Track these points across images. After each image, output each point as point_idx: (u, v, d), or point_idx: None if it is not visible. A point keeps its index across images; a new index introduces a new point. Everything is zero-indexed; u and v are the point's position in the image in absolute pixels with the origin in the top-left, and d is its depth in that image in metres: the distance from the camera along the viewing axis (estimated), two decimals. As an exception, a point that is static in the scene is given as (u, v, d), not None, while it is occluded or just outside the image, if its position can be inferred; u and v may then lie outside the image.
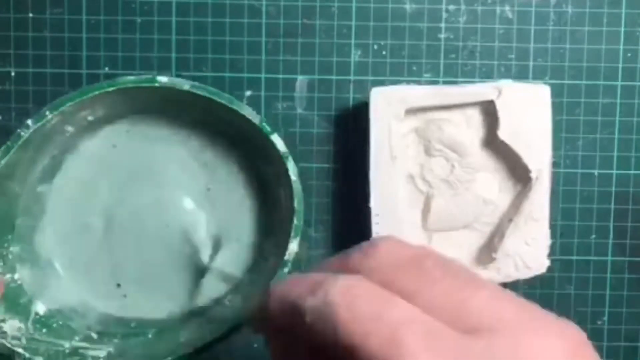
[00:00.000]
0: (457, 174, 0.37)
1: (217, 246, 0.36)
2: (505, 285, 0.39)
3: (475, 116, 0.37)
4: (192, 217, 0.36)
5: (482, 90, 0.36)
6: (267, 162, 0.33)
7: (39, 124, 0.29)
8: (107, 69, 0.39)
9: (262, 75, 0.39)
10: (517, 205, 0.37)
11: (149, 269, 0.36)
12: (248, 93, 0.39)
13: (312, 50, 0.39)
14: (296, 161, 0.39)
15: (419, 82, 0.39)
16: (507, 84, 0.36)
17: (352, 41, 0.39)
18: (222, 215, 0.37)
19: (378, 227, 0.36)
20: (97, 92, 0.30)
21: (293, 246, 0.32)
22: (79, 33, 0.39)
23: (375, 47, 0.39)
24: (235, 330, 0.32)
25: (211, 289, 0.36)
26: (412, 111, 0.37)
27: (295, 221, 0.32)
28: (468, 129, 0.37)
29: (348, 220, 0.40)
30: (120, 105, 0.32)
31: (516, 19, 0.39)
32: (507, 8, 0.39)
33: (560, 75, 0.39)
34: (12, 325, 0.32)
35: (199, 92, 0.30)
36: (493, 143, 0.37)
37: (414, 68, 0.39)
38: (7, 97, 0.39)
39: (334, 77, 0.39)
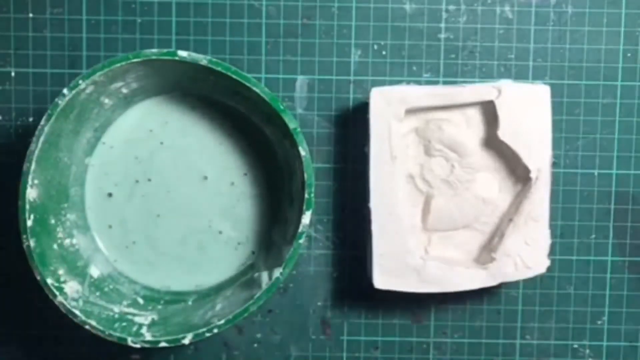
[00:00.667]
0: (457, 174, 0.37)
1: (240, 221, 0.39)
2: (505, 285, 0.39)
3: (475, 116, 0.37)
4: (221, 194, 0.39)
5: (482, 90, 0.36)
6: (283, 135, 0.36)
7: (73, 92, 0.32)
8: (107, 69, 0.39)
9: (262, 75, 0.39)
10: (517, 205, 0.37)
11: (183, 243, 0.39)
12: (248, 93, 0.39)
13: (312, 50, 0.39)
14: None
15: (419, 82, 0.39)
16: (507, 84, 0.36)
17: (352, 41, 0.39)
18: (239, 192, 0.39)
19: (378, 227, 0.36)
20: (123, 63, 0.32)
21: (306, 218, 0.34)
22: (79, 33, 0.39)
23: (375, 47, 0.39)
24: (263, 298, 0.34)
25: (242, 260, 0.39)
26: (412, 111, 0.37)
27: (306, 194, 0.34)
28: (468, 129, 0.37)
29: (348, 220, 0.40)
30: (150, 79, 0.35)
31: (516, 19, 0.39)
32: (507, 8, 0.39)
33: (560, 75, 0.39)
34: (72, 287, 0.34)
35: (215, 67, 0.33)
36: (493, 143, 0.37)
37: (414, 68, 0.39)
38: (7, 97, 0.39)
39: (334, 77, 0.39)
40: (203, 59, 0.33)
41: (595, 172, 0.40)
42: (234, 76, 0.33)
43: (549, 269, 0.37)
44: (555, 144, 0.38)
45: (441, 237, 0.38)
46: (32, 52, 0.39)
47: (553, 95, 0.37)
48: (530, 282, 0.40)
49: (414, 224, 0.37)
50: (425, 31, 0.39)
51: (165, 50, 0.33)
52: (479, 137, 0.38)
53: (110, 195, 0.38)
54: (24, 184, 0.32)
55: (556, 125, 0.38)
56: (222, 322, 0.34)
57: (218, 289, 0.38)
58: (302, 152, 0.34)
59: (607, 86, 0.40)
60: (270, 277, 0.35)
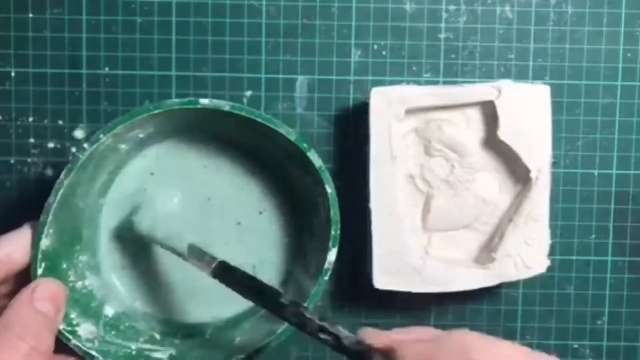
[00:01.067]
0: (457, 174, 0.37)
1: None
2: (505, 285, 0.39)
3: (475, 116, 0.37)
4: (235, 233, 0.38)
5: (482, 90, 0.36)
6: (305, 173, 0.35)
7: (94, 146, 0.32)
8: (107, 69, 0.39)
9: (262, 75, 0.39)
10: (517, 205, 0.37)
11: (199, 276, 0.38)
12: (248, 93, 0.39)
13: (312, 50, 0.39)
14: (296, 161, 0.39)
15: (419, 82, 0.39)
16: (507, 84, 0.36)
17: (352, 41, 0.39)
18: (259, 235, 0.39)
19: (378, 227, 0.36)
20: (145, 115, 0.32)
21: (332, 255, 0.34)
22: (79, 33, 0.39)
23: (375, 47, 0.39)
24: (286, 333, 0.34)
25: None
26: (412, 111, 0.37)
27: (332, 231, 0.34)
28: (468, 129, 0.37)
29: (348, 220, 0.40)
30: (167, 123, 0.35)
31: (516, 19, 0.39)
32: (507, 8, 0.39)
33: (560, 75, 0.39)
34: (86, 329, 0.34)
35: (239, 112, 0.33)
36: (493, 143, 0.37)
37: (414, 68, 0.39)
38: (7, 97, 0.39)
39: (334, 77, 0.39)
40: (226, 106, 0.33)
41: (595, 172, 0.40)
42: (258, 119, 0.33)
43: (549, 269, 0.37)
44: (555, 144, 0.38)
45: (441, 237, 0.38)
46: (32, 52, 0.39)
47: (553, 95, 0.37)
48: (530, 282, 0.40)
49: (414, 224, 0.37)
50: (425, 31, 0.39)
51: (186, 100, 0.33)
52: (479, 137, 0.38)
53: (118, 236, 0.38)
54: (39, 235, 0.31)
55: (556, 125, 0.38)
56: (243, 356, 0.34)
57: (236, 321, 0.38)
58: (329, 190, 0.34)
59: (607, 86, 0.40)
60: None
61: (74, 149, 0.39)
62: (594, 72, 0.39)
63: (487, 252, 0.38)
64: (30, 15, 0.39)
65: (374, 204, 0.36)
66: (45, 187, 0.31)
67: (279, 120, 0.33)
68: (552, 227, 0.38)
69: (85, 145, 0.31)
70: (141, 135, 0.35)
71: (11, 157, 0.39)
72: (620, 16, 0.39)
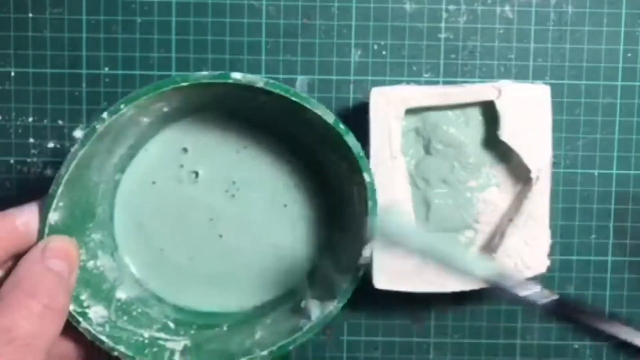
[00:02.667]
0: (457, 174, 0.37)
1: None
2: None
3: (475, 116, 0.37)
4: (265, 222, 0.36)
5: (482, 90, 0.36)
6: (341, 158, 0.33)
7: (114, 117, 0.29)
8: (107, 69, 0.39)
9: (262, 75, 0.39)
10: (517, 205, 0.37)
11: (222, 264, 0.36)
12: (248, 93, 0.39)
13: (312, 50, 0.39)
14: (296, 161, 0.39)
15: (419, 82, 0.39)
16: (507, 84, 0.36)
17: (352, 41, 0.39)
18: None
19: (378, 227, 0.36)
20: (170, 87, 0.29)
21: (367, 251, 0.32)
22: (79, 33, 0.39)
23: (375, 47, 0.39)
24: (314, 329, 0.32)
25: (295, 278, 0.36)
26: (412, 111, 0.37)
27: (369, 223, 0.32)
28: (468, 129, 0.37)
29: (348, 220, 0.40)
30: (194, 98, 0.32)
31: (516, 19, 0.39)
32: (507, 8, 0.39)
33: (560, 75, 0.39)
34: (97, 312, 0.32)
35: (273, 89, 0.30)
36: (493, 143, 0.37)
37: (414, 68, 0.39)
38: (7, 97, 0.39)
39: (334, 77, 0.39)
40: (260, 81, 0.30)
41: (595, 172, 0.40)
42: (294, 98, 0.31)
43: (549, 269, 0.37)
44: (555, 144, 0.38)
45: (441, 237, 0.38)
46: (32, 52, 0.39)
47: (553, 95, 0.37)
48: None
49: (414, 224, 0.37)
50: (425, 31, 0.39)
51: (217, 74, 0.30)
52: (479, 137, 0.38)
53: (133, 218, 0.36)
54: (47, 208, 0.29)
55: (556, 125, 0.38)
56: (265, 352, 0.32)
57: (258, 314, 0.36)
58: (367, 179, 0.32)
59: (607, 86, 0.40)
60: (321, 309, 0.33)
61: (74, 149, 0.39)
62: (594, 72, 0.39)
63: (487, 252, 0.38)
64: (30, 15, 0.39)
65: (374, 204, 0.36)
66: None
67: (315, 100, 0.31)
68: (552, 227, 0.38)
69: (105, 115, 0.29)
70: (165, 109, 0.33)
71: (11, 157, 0.39)
72: (620, 16, 0.39)
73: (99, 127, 0.29)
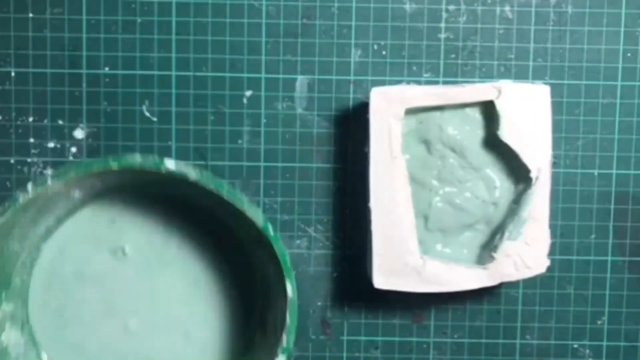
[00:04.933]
0: (457, 174, 0.37)
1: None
2: (505, 285, 0.39)
3: (475, 116, 0.37)
4: (187, 307, 0.36)
5: (482, 90, 0.36)
6: (269, 261, 0.32)
7: (39, 190, 0.29)
8: (107, 69, 0.39)
9: (262, 75, 0.39)
10: (517, 205, 0.37)
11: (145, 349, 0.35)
12: (248, 93, 0.39)
13: (312, 50, 0.39)
14: (296, 161, 0.39)
15: (419, 82, 0.39)
16: (507, 84, 0.36)
17: (352, 41, 0.39)
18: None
19: (378, 227, 0.36)
20: (101, 168, 0.29)
21: None
22: (79, 33, 0.39)
23: (375, 47, 0.39)
24: None
25: None
26: (412, 111, 0.37)
27: (284, 342, 0.31)
28: (468, 129, 0.37)
29: (348, 220, 0.40)
30: (126, 178, 0.32)
31: (516, 19, 0.39)
32: (507, 8, 0.39)
33: (560, 75, 0.39)
34: None
35: (207, 185, 0.29)
36: (493, 143, 0.37)
37: (414, 68, 0.39)
38: (7, 97, 0.39)
39: (334, 77, 0.39)
40: (192, 173, 0.29)
41: (595, 172, 0.40)
42: (226, 196, 0.29)
43: (549, 269, 0.37)
44: (555, 144, 0.38)
45: (441, 237, 0.38)
46: (32, 52, 0.39)
47: (553, 95, 0.37)
48: (530, 282, 0.40)
49: (414, 224, 0.37)
50: (425, 31, 0.39)
51: (150, 160, 0.29)
52: (479, 137, 0.38)
53: (51, 293, 0.34)
54: None
55: (556, 125, 0.38)
56: None
57: None
58: (289, 292, 0.30)
59: (607, 86, 0.40)
60: None
61: (74, 149, 0.39)
62: (594, 72, 0.39)
63: (487, 252, 0.38)
64: (30, 15, 0.39)
65: (374, 203, 0.36)
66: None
67: (247, 199, 0.30)
68: (552, 227, 0.38)
69: (29, 186, 0.29)
70: (98, 184, 0.33)
71: (11, 157, 0.39)
72: (620, 16, 0.39)
73: (21, 199, 0.28)
